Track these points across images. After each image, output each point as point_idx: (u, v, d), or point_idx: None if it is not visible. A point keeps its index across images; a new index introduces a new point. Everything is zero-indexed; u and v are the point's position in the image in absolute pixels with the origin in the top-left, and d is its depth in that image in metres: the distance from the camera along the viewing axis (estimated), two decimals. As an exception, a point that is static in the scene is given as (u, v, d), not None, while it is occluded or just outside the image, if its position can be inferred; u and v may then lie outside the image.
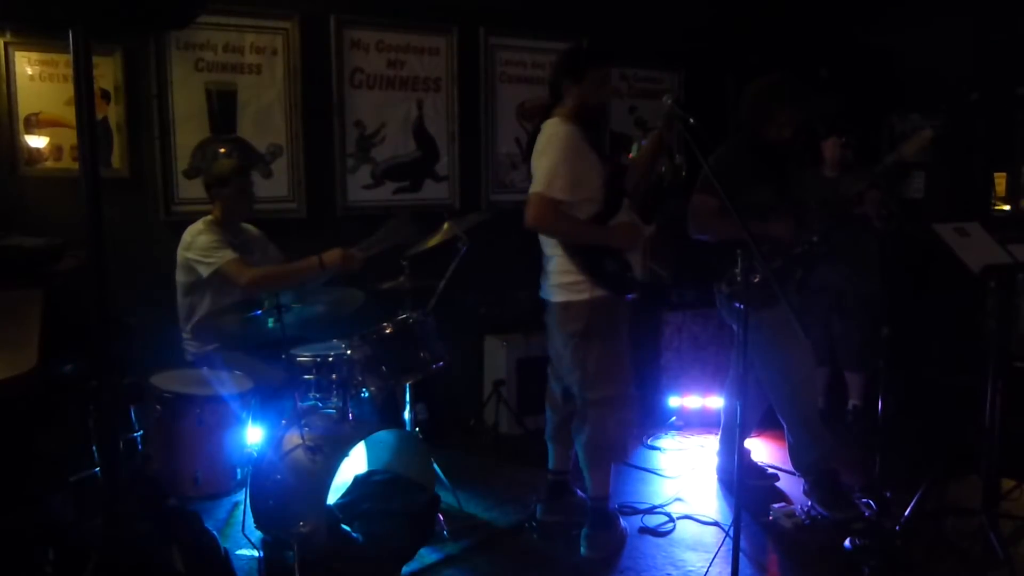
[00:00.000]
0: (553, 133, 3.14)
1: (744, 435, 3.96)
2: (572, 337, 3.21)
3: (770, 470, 4.03)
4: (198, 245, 3.56)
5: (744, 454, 4.00)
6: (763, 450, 4.36)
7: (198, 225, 3.64)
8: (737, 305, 3.56)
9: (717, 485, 3.97)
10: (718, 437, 4.06)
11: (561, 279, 3.21)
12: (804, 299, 4.48)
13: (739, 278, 2.77)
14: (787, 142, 3.56)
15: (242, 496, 3.21)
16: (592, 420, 3.26)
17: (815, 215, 3.56)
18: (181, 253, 3.61)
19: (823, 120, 4.62)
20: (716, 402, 4.78)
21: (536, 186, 3.09)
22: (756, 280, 3.28)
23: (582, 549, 3.29)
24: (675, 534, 3.47)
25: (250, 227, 3.91)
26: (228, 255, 3.52)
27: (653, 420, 4.76)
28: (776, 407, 3.70)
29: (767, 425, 4.56)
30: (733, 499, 3.32)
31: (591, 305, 3.17)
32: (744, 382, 2.79)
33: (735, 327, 3.75)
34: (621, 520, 3.46)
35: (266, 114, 4.37)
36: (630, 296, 3.26)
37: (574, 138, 3.11)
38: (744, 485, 3.54)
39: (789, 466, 3.81)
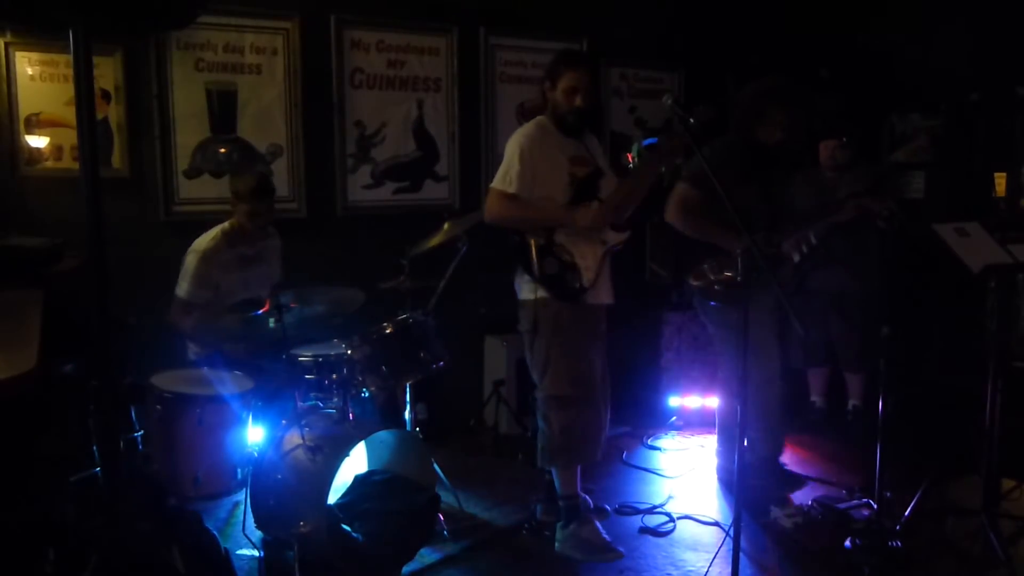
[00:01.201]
0: (518, 132, 3.29)
1: (744, 435, 3.96)
2: (525, 335, 3.32)
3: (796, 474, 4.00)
4: (187, 264, 3.61)
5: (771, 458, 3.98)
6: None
7: (208, 237, 3.65)
8: (713, 304, 3.61)
9: (717, 485, 3.97)
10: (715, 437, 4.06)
11: (518, 277, 3.32)
12: (803, 300, 4.51)
13: (739, 272, 2.77)
14: (778, 144, 3.57)
15: (242, 496, 3.21)
16: (541, 418, 3.33)
17: (800, 218, 3.58)
18: (189, 250, 3.64)
19: (823, 120, 4.63)
20: (716, 402, 4.78)
21: (493, 182, 3.27)
22: (724, 278, 3.35)
23: (556, 545, 3.32)
24: (675, 534, 3.47)
25: (274, 233, 3.91)
26: (183, 291, 3.59)
27: (653, 420, 4.76)
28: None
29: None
30: (733, 499, 3.31)
31: (536, 304, 3.24)
32: (744, 382, 2.78)
33: (707, 323, 3.80)
34: (598, 524, 3.36)
35: (266, 114, 4.37)
36: (591, 302, 3.24)
37: (537, 138, 3.22)
38: (744, 485, 3.54)
39: (793, 467, 3.82)
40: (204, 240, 3.65)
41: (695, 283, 3.64)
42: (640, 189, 3.28)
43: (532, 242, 3.22)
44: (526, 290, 3.28)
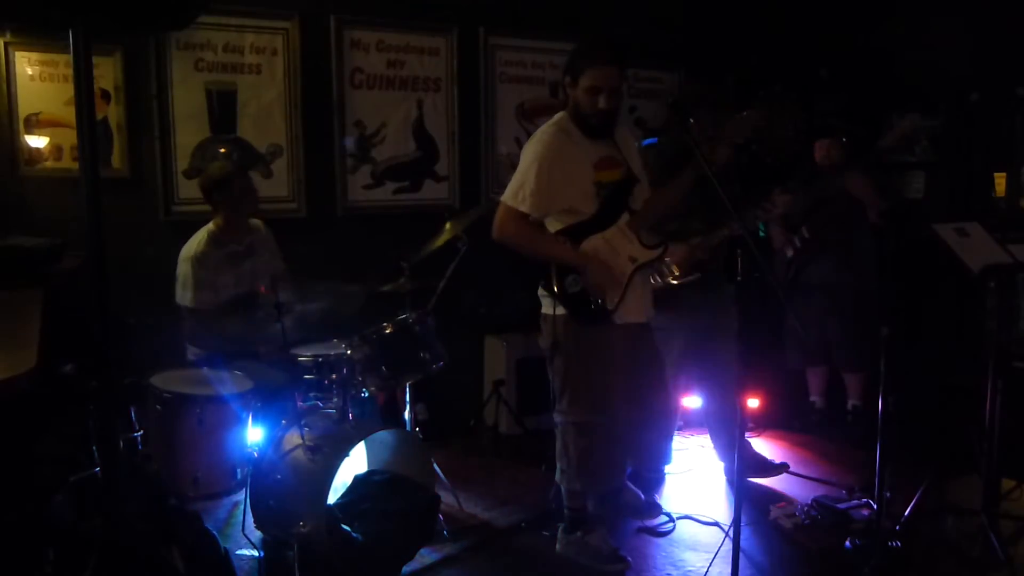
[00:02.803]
0: (536, 137, 3.01)
1: (743, 433, 3.97)
2: (545, 351, 3.15)
3: (777, 460, 4.04)
4: (182, 272, 3.59)
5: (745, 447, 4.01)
6: (764, 449, 4.36)
7: (196, 241, 3.62)
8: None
9: (717, 484, 3.97)
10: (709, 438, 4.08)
11: (541, 289, 3.12)
12: (800, 298, 4.51)
13: (739, 272, 2.77)
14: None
15: (242, 496, 3.21)
16: (560, 440, 3.19)
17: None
18: (179, 259, 3.63)
19: (822, 119, 4.64)
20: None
21: (504, 195, 3.00)
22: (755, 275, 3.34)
23: (557, 546, 3.29)
24: (675, 534, 3.47)
25: (260, 226, 3.86)
26: (190, 299, 3.55)
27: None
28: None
29: (772, 424, 4.57)
30: (742, 499, 3.30)
31: (556, 321, 3.05)
32: (743, 379, 2.78)
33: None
34: (605, 533, 3.27)
35: (266, 114, 4.37)
36: (620, 322, 3.05)
37: (556, 146, 2.94)
38: (745, 484, 3.55)
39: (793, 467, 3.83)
40: (192, 245, 3.61)
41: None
42: (672, 201, 3.09)
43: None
44: (546, 304, 3.07)
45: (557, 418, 3.19)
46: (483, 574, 3.18)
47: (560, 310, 3.02)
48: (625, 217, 3.04)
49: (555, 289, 2.98)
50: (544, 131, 3.02)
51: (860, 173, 4.22)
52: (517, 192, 2.94)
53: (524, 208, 2.94)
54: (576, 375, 3.08)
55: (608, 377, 3.07)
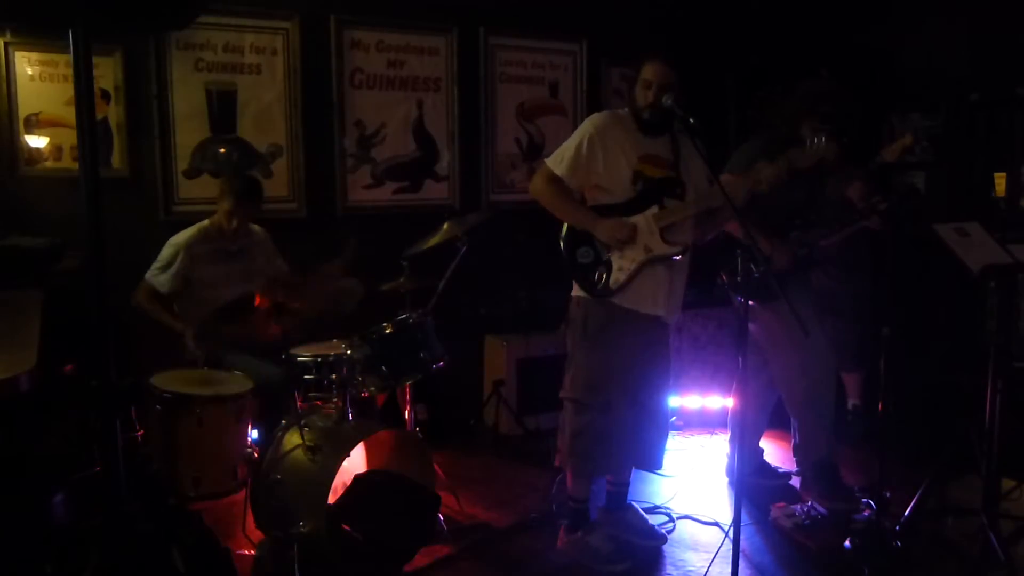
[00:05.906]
0: (592, 115, 3.22)
1: (758, 433, 3.96)
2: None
3: (782, 469, 4.02)
4: (165, 254, 3.70)
5: (758, 453, 4.00)
6: (764, 447, 4.36)
7: (186, 231, 3.73)
8: (739, 298, 3.58)
9: (717, 484, 3.97)
10: (727, 437, 4.05)
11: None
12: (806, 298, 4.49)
13: (739, 272, 2.78)
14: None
15: (242, 496, 3.21)
16: (561, 416, 3.29)
17: (839, 216, 3.58)
18: (167, 243, 3.73)
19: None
20: (716, 402, 4.79)
21: (549, 157, 3.22)
22: (756, 275, 3.30)
23: (557, 545, 3.30)
24: (675, 534, 3.47)
25: (257, 230, 3.93)
26: (154, 277, 3.68)
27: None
28: (788, 404, 3.70)
29: (772, 424, 4.55)
30: (742, 499, 3.30)
31: (575, 302, 3.20)
32: (745, 377, 2.79)
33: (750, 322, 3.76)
34: (606, 533, 3.28)
35: (266, 114, 4.37)
36: (630, 308, 3.09)
37: (603, 127, 3.12)
38: (744, 483, 3.54)
39: (794, 466, 3.82)
40: (183, 235, 3.73)
41: (727, 280, 3.58)
42: (697, 211, 3.13)
43: (571, 226, 3.15)
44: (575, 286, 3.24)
45: (561, 394, 3.27)
46: (483, 574, 3.18)
47: (578, 291, 3.16)
48: (654, 210, 3.10)
49: (566, 257, 3.12)
50: (600, 112, 3.23)
51: (859, 181, 4.20)
52: (558, 156, 3.15)
53: (558, 171, 3.12)
54: (579, 354, 3.19)
55: (608, 361, 3.14)
